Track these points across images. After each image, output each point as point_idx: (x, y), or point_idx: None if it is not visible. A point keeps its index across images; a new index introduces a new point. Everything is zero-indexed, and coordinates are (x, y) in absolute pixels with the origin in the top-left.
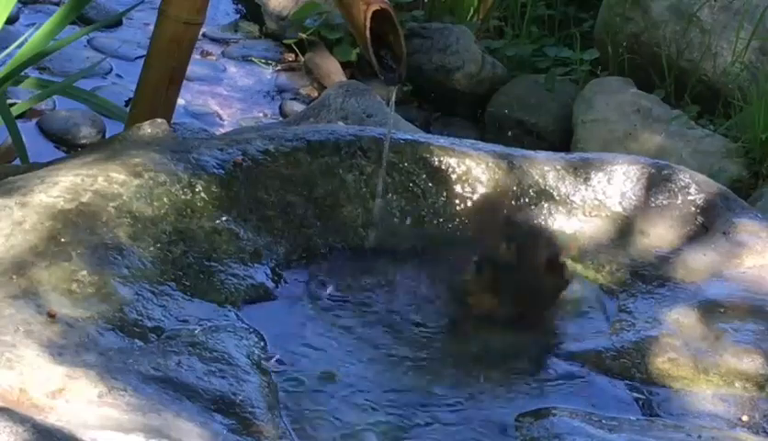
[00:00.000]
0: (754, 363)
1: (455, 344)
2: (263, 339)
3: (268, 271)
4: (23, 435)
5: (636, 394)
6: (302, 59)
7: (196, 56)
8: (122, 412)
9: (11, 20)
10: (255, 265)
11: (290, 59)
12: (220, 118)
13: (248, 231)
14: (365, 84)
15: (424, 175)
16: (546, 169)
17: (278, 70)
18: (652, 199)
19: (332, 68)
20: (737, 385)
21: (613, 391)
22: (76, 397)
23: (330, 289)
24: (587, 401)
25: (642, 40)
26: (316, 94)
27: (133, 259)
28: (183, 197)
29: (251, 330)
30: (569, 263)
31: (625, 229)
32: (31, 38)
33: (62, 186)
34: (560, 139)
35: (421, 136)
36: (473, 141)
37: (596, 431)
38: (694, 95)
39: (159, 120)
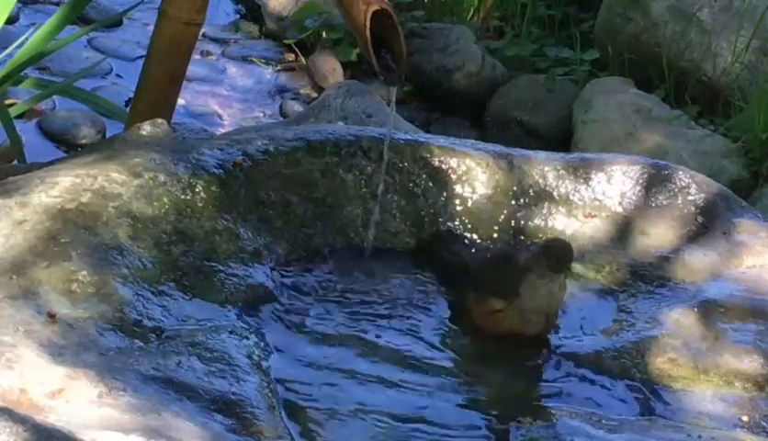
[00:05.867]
0: (754, 363)
1: (454, 345)
2: (263, 339)
3: (268, 271)
4: (23, 435)
5: (636, 394)
6: (303, 59)
7: (196, 56)
8: (122, 412)
9: (11, 20)
10: (255, 265)
11: (290, 59)
12: (220, 118)
13: (248, 231)
14: (365, 84)
15: (424, 175)
16: (546, 169)
17: (278, 70)
18: (652, 199)
19: (330, 69)
20: (737, 385)
21: (613, 391)
22: (76, 397)
23: (329, 289)
24: (587, 401)
25: (642, 40)
26: (316, 94)
27: (133, 259)
28: (183, 197)
29: (251, 330)
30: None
31: (625, 229)
32: (31, 38)
33: (62, 186)
34: (560, 139)
35: (421, 136)
36: (473, 141)
37: (596, 431)
38: (694, 95)
39: (159, 120)
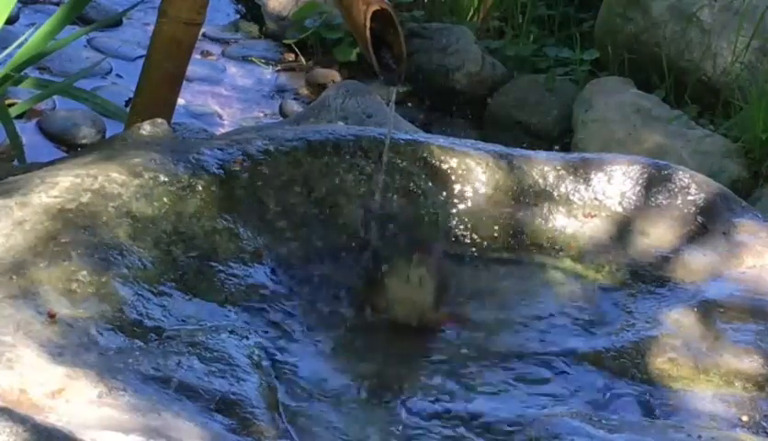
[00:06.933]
0: (754, 363)
1: (454, 345)
2: (263, 339)
3: (268, 271)
4: (23, 435)
5: (636, 394)
6: (302, 59)
7: (196, 56)
8: (122, 412)
9: (11, 20)
10: (255, 265)
11: (290, 59)
12: (220, 118)
13: (248, 231)
14: (365, 84)
15: (424, 175)
16: (546, 169)
17: (278, 70)
18: (652, 199)
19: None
20: (737, 385)
21: (613, 391)
22: (76, 397)
23: (329, 289)
24: (587, 401)
25: (642, 40)
26: (316, 94)
27: (133, 259)
28: (183, 197)
29: (251, 330)
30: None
31: (625, 229)
32: (31, 38)
33: (62, 186)
34: (560, 139)
35: (421, 136)
36: (473, 141)
37: (596, 431)
38: (694, 95)
39: (159, 120)
